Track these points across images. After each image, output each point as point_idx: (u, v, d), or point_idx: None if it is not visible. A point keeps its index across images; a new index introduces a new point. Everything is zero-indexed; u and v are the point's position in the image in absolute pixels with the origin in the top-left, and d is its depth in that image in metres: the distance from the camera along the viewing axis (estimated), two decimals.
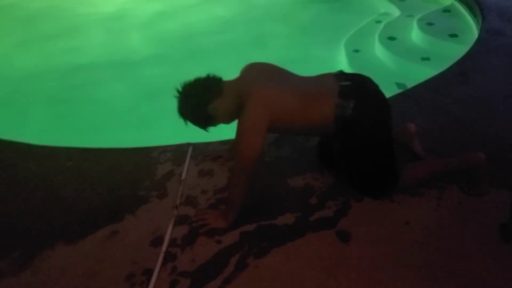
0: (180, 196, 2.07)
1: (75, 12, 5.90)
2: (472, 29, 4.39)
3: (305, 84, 1.91)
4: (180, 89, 1.86)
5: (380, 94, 1.91)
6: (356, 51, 4.41)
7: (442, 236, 1.78)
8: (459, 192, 1.99)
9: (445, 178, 2.04)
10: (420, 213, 1.89)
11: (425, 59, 4.03)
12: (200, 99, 1.83)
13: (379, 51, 4.36)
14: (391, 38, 4.47)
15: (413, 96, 2.84)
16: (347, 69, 3.83)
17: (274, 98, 1.76)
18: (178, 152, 2.40)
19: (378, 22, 5.00)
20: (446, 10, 5.07)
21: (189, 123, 1.92)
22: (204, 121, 1.92)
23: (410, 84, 3.11)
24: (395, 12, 5.29)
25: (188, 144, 2.45)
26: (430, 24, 4.59)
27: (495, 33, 3.75)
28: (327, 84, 1.87)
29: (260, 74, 1.90)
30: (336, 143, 1.95)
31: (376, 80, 1.96)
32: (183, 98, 1.86)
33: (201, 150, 2.40)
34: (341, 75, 1.92)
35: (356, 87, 1.85)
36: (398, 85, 3.57)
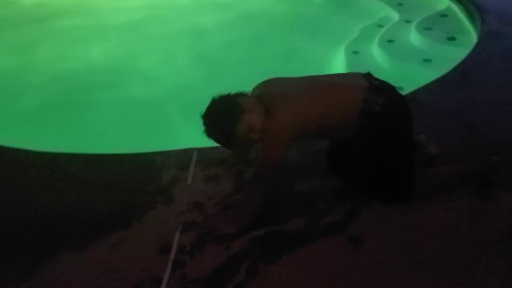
0: (187, 202, 2.04)
1: (76, 17, 5.87)
2: (470, 33, 4.41)
3: (330, 80, 1.91)
4: (206, 118, 1.78)
5: (405, 99, 1.91)
6: (355, 52, 4.41)
7: (454, 239, 1.77)
8: (469, 196, 1.97)
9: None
10: (431, 217, 1.88)
11: (427, 61, 4.03)
12: (228, 121, 1.73)
13: (378, 54, 4.36)
14: (390, 41, 4.48)
15: (416, 99, 2.83)
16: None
17: (300, 107, 1.72)
18: (182, 157, 2.37)
19: (380, 26, 4.99)
20: (443, 14, 5.09)
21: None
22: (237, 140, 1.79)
23: (409, 88, 3.10)
24: (395, 16, 5.30)
25: (193, 149, 2.42)
26: (428, 28, 4.61)
27: (495, 35, 3.76)
28: (355, 80, 1.86)
29: (281, 85, 1.85)
30: (353, 145, 1.89)
31: None
32: (212, 123, 1.77)
33: (206, 155, 2.37)
34: (369, 75, 1.90)
35: (385, 87, 1.84)
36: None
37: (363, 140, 1.83)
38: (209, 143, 2.35)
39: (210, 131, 1.78)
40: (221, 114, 1.74)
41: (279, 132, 1.69)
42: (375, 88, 1.79)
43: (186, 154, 2.40)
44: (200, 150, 2.41)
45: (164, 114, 3.19)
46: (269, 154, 1.72)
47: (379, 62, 4.25)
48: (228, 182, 2.16)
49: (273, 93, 1.80)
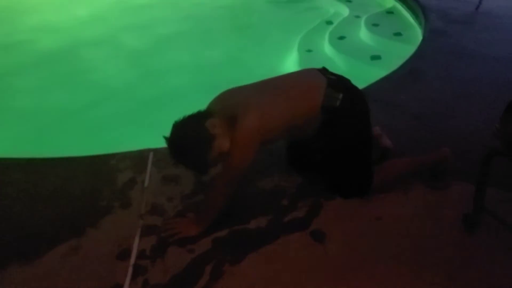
0: (145, 205, 1.96)
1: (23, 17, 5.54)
2: (415, 29, 4.61)
3: (289, 80, 1.89)
4: (172, 148, 1.69)
5: (362, 92, 1.93)
6: (309, 51, 4.47)
7: (413, 229, 1.82)
8: (424, 187, 2.04)
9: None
10: (390, 208, 1.93)
11: (375, 58, 4.16)
12: (199, 153, 1.64)
13: (329, 51, 4.45)
14: (341, 38, 4.59)
15: (369, 94, 2.86)
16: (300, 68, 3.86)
17: (264, 111, 1.68)
18: (138, 158, 2.28)
19: (329, 23, 5.09)
20: (390, 11, 5.28)
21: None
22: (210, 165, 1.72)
23: (361, 83, 3.16)
24: (345, 12, 5.43)
25: (149, 150, 2.33)
26: (375, 24, 4.76)
27: (439, 33, 3.95)
28: (314, 76, 1.86)
29: (241, 94, 1.80)
30: (314, 140, 1.90)
31: None
32: (183, 156, 1.68)
33: (163, 155, 2.29)
34: (325, 70, 1.92)
35: (342, 81, 1.86)
36: None
37: (324, 135, 1.85)
38: (165, 143, 2.30)
39: (179, 160, 1.70)
40: (189, 148, 1.64)
41: (247, 140, 1.65)
42: (333, 83, 1.81)
43: (141, 155, 2.30)
44: (156, 151, 2.32)
45: (116, 114, 3.04)
46: (237, 161, 1.67)
47: (332, 56, 4.35)
48: (188, 183, 2.10)
49: (234, 103, 1.73)
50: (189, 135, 1.65)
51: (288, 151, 2.18)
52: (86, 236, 1.80)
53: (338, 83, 1.84)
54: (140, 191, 2.05)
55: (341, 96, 1.78)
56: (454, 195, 2.00)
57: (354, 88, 1.91)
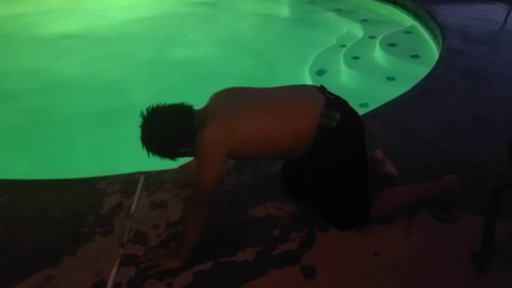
0: (128, 232, 1.86)
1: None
2: (433, 50, 4.44)
3: (283, 95, 1.76)
4: (147, 123, 1.61)
5: (358, 115, 1.81)
6: (322, 71, 4.36)
7: (413, 267, 1.65)
8: (429, 219, 1.87)
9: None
10: (390, 243, 1.76)
11: (390, 79, 4.01)
12: (173, 143, 1.62)
13: (344, 71, 4.32)
14: (355, 58, 4.46)
15: (378, 116, 2.75)
16: None
17: (236, 125, 1.59)
18: (128, 182, 2.19)
19: (342, 46, 4.98)
20: (407, 31, 5.13)
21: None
22: (172, 156, 1.70)
23: (373, 104, 3.03)
24: (359, 33, 5.31)
25: (140, 173, 2.24)
26: (392, 45, 4.62)
27: (456, 52, 3.77)
28: (311, 94, 1.74)
29: (228, 100, 1.73)
30: (308, 164, 1.76)
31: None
32: (151, 136, 1.61)
33: (154, 179, 2.20)
34: (323, 89, 1.79)
35: (341, 102, 1.75)
36: (362, 105, 3.50)
37: (317, 157, 1.70)
38: (158, 166, 2.21)
39: (148, 146, 1.63)
40: (165, 138, 1.59)
41: (205, 151, 1.56)
42: (331, 103, 1.69)
43: (132, 178, 2.21)
44: (148, 174, 2.23)
45: (110, 135, 3.01)
46: (202, 171, 1.57)
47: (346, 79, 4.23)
48: (175, 209, 1.99)
49: (216, 107, 1.67)
50: (166, 124, 1.59)
51: (283, 170, 2.06)
52: (62, 265, 1.71)
53: (336, 103, 1.71)
54: (125, 217, 1.95)
55: (338, 116, 1.64)
56: (461, 228, 1.82)
57: (351, 109, 1.78)
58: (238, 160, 1.65)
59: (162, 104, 1.64)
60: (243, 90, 1.81)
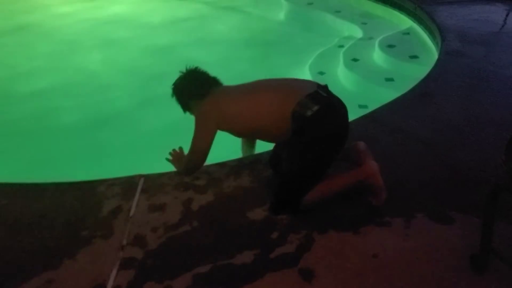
0: (127, 235, 1.87)
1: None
2: (432, 51, 4.44)
3: (273, 83, 1.98)
4: (183, 75, 2.11)
5: (344, 120, 1.87)
6: (321, 73, 4.37)
7: (412, 269, 1.65)
8: (427, 220, 1.88)
9: (409, 203, 1.94)
10: (388, 245, 1.77)
11: (389, 80, 4.01)
12: (186, 92, 2.09)
13: (343, 73, 4.33)
14: (355, 60, 4.47)
15: (377, 118, 2.76)
16: None
17: (223, 105, 1.95)
18: (128, 185, 2.20)
19: (341, 46, 4.98)
20: (406, 32, 5.13)
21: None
22: (183, 104, 2.14)
23: (373, 106, 3.04)
24: (358, 34, 5.32)
25: (140, 176, 2.25)
26: (391, 46, 4.62)
27: (455, 54, 3.77)
28: (301, 86, 1.89)
29: (229, 88, 2.07)
30: (283, 149, 1.97)
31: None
32: (180, 82, 2.11)
33: (153, 182, 2.21)
34: (323, 87, 1.90)
35: (327, 99, 1.83)
36: (361, 106, 3.51)
37: (289, 143, 1.86)
38: (157, 169, 2.23)
39: (172, 89, 2.13)
40: (185, 91, 2.10)
41: (200, 120, 1.98)
42: (315, 97, 1.79)
43: (132, 181, 2.22)
44: (147, 177, 2.24)
45: (110, 138, 2.99)
46: (194, 137, 1.97)
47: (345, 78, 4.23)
48: (174, 212, 2.00)
49: (225, 89, 2.07)
50: (191, 83, 2.09)
51: (272, 154, 2.21)
52: (62, 268, 1.72)
53: (320, 98, 1.80)
54: (124, 220, 1.96)
55: (316, 108, 1.75)
56: (459, 230, 1.82)
57: (338, 110, 1.84)
58: (230, 132, 2.00)
59: (201, 69, 2.13)
60: (254, 81, 2.06)
